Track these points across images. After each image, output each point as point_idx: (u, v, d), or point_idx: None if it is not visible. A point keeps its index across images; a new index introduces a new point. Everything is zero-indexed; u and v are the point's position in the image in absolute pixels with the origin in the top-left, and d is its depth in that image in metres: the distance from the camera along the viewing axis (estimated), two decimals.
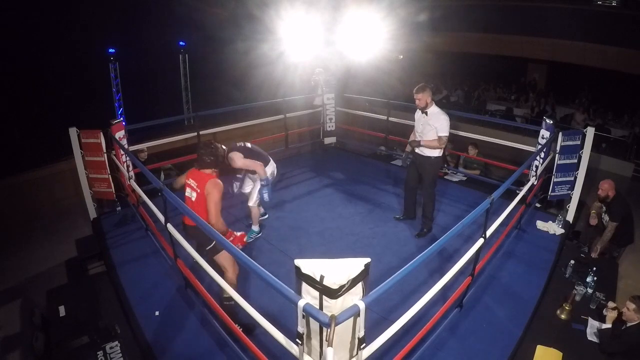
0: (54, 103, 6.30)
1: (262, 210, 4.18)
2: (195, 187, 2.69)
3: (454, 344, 2.64)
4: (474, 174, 5.42)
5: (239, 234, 2.81)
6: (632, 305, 2.59)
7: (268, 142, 5.65)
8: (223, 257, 2.73)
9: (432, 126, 3.67)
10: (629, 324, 2.62)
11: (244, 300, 2.13)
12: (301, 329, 1.64)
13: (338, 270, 1.60)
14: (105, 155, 4.06)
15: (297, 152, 6.54)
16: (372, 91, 7.71)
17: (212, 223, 2.57)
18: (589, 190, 4.74)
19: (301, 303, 1.55)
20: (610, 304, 2.81)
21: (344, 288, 1.59)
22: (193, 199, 2.71)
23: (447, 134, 3.68)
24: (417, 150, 3.85)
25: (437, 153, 3.78)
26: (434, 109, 3.67)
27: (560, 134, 4.05)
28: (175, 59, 8.69)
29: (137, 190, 3.54)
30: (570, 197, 4.21)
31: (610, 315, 2.75)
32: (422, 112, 3.72)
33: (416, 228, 4.09)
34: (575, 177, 4.15)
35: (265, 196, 3.53)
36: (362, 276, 1.66)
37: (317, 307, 1.60)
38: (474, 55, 10.73)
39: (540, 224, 4.10)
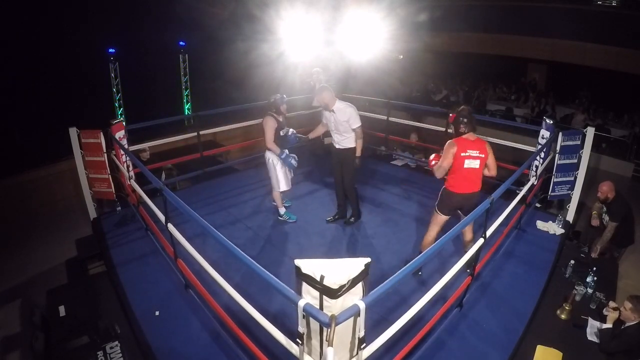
0: (54, 103, 6.30)
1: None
2: (477, 155, 2.95)
3: (454, 344, 2.64)
4: None
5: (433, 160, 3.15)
6: (628, 305, 2.59)
7: None
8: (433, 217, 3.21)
9: (341, 122, 3.81)
10: (627, 324, 2.62)
11: (244, 300, 2.13)
12: (301, 328, 1.64)
13: (338, 270, 1.60)
14: (105, 155, 4.06)
15: (297, 152, 6.52)
16: (372, 91, 7.69)
17: (494, 174, 3.10)
18: (589, 191, 4.74)
19: (301, 303, 1.55)
20: (612, 304, 2.80)
21: (344, 288, 1.59)
22: (477, 166, 2.98)
23: (359, 124, 3.85)
24: (336, 145, 3.99)
25: (354, 144, 3.96)
26: (338, 105, 3.80)
27: (560, 134, 4.05)
28: (175, 58, 8.70)
29: (138, 190, 3.54)
30: (570, 197, 4.21)
31: (612, 315, 2.74)
32: (329, 111, 3.85)
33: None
34: (575, 177, 4.15)
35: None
36: (362, 276, 1.66)
37: (317, 307, 1.60)
38: (474, 55, 10.74)
39: (540, 224, 4.10)
